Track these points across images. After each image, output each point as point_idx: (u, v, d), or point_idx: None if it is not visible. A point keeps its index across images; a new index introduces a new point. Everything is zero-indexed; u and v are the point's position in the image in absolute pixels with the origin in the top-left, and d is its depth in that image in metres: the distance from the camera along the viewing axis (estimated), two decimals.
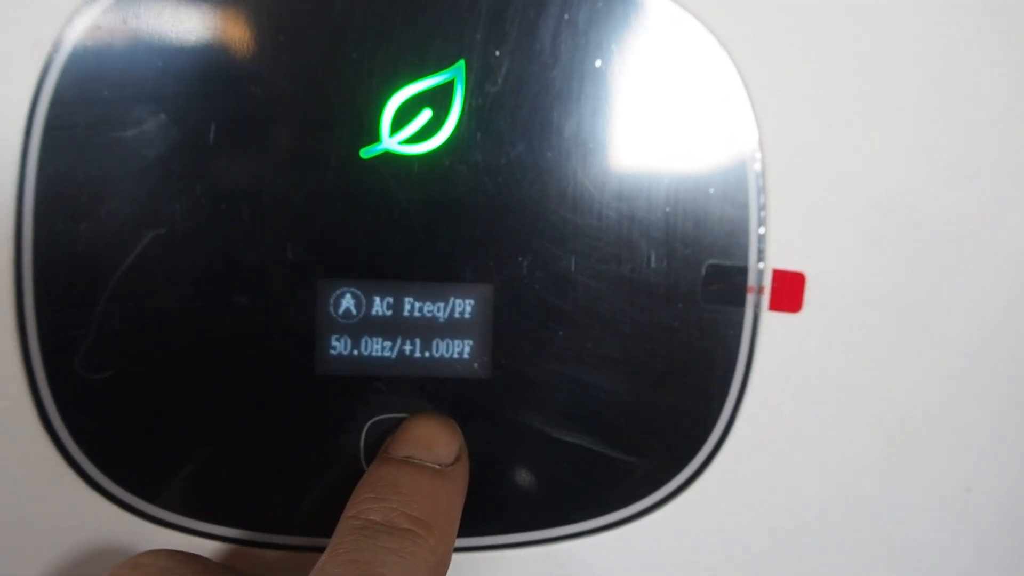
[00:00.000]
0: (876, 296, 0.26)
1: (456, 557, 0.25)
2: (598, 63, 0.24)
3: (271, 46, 0.23)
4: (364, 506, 0.21)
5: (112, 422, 0.24)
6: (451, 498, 0.22)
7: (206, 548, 0.24)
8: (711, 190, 0.25)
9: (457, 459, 0.23)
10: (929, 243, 0.26)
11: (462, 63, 0.24)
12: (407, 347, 0.24)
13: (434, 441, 0.23)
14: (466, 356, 0.25)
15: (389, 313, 0.24)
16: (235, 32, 0.23)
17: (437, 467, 0.23)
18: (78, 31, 0.23)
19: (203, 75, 0.23)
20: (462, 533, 0.25)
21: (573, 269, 0.25)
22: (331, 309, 0.24)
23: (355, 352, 0.24)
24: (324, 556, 0.20)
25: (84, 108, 0.23)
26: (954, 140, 0.25)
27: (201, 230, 0.23)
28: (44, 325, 0.23)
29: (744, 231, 0.25)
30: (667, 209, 0.25)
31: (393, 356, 0.24)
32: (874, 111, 0.25)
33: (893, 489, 0.26)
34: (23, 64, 0.23)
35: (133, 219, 0.23)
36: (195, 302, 0.23)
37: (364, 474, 0.23)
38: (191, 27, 0.23)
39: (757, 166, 0.25)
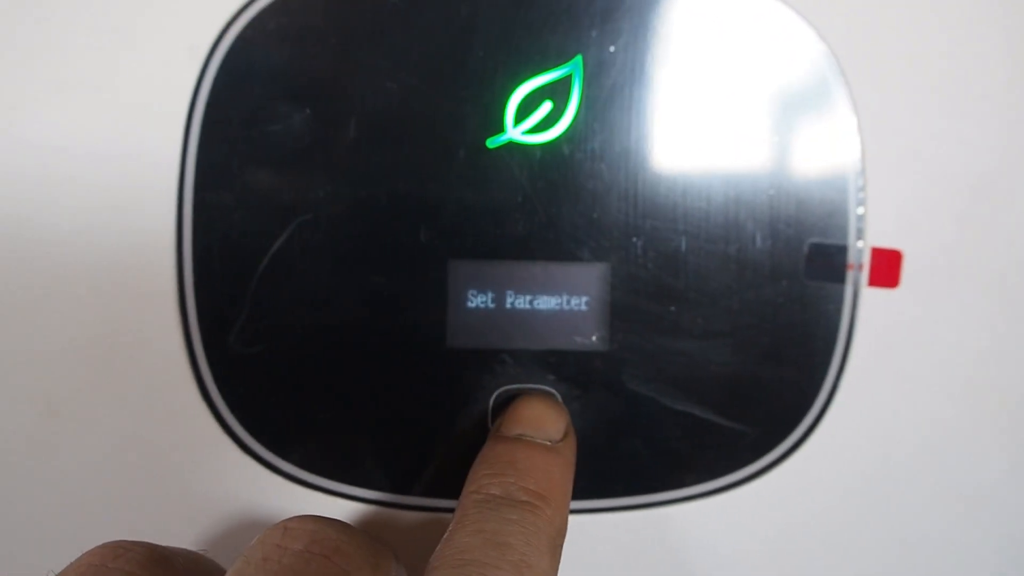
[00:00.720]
0: (972, 273, 0.27)
1: (573, 519, 0.27)
2: (704, 57, 0.26)
3: (405, 47, 0.25)
4: (484, 481, 0.23)
5: (264, 393, 0.26)
6: (563, 472, 0.24)
7: (347, 509, 0.26)
8: (812, 173, 0.26)
9: (565, 436, 0.25)
10: (1018, 220, 0.27)
11: (579, 58, 0.26)
12: (530, 322, 0.26)
13: (543, 420, 0.25)
14: (585, 330, 0.26)
15: (513, 292, 0.26)
16: (372, 34, 0.25)
17: (548, 443, 0.24)
18: (231, 35, 0.25)
19: (343, 74, 0.25)
20: (579, 496, 0.26)
21: (684, 249, 0.26)
22: (460, 288, 0.26)
23: (483, 326, 0.26)
24: (451, 527, 0.21)
25: (238, 105, 0.25)
26: None
27: (343, 216, 0.25)
28: (203, 305, 0.25)
29: (844, 211, 0.27)
30: (771, 192, 0.26)
31: (517, 330, 0.26)
32: (966, 96, 0.27)
33: (985, 455, 0.28)
34: (183, 65, 0.25)
35: (282, 207, 0.25)
36: (337, 282, 0.26)
37: (480, 452, 0.24)
38: (332, 31, 0.25)
39: (856, 149, 0.27)
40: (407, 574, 0.23)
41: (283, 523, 0.21)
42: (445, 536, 0.21)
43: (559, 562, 0.22)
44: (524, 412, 0.25)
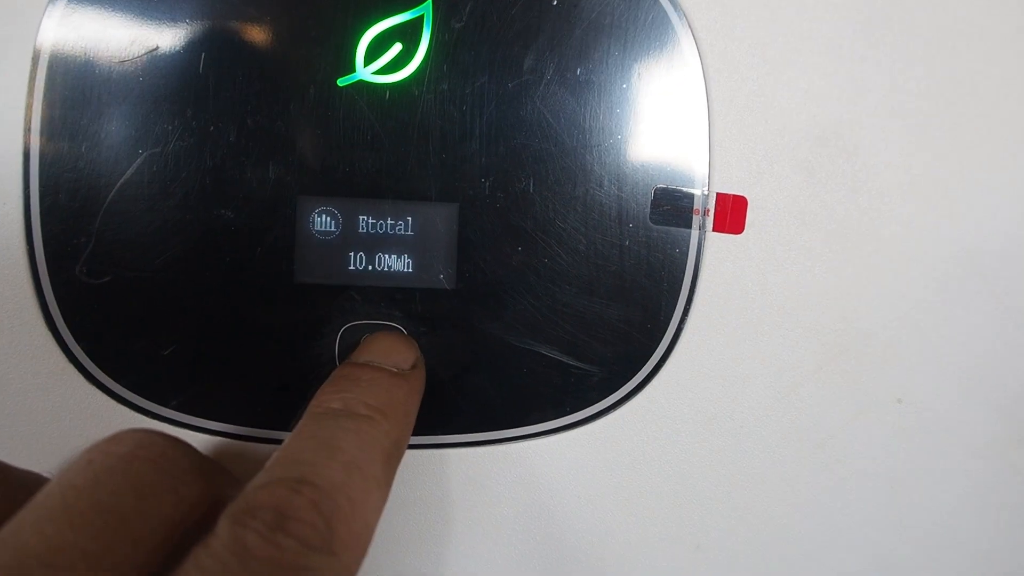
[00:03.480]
0: (813, 219, 0.28)
1: (425, 453, 0.28)
2: (555, 2, 0.27)
3: None
4: (325, 397, 0.23)
5: (110, 323, 0.26)
6: (407, 395, 0.24)
7: (194, 440, 0.27)
8: (660, 120, 0.27)
9: (414, 367, 0.26)
10: (860, 171, 0.28)
11: (429, 2, 0.26)
12: (378, 260, 0.27)
13: (392, 350, 0.26)
14: (432, 268, 0.27)
15: (362, 229, 0.27)
16: None
17: (395, 370, 0.25)
18: None
19: (193, 8, 0.25)
20: (431, 431, 0.27)
21: (531, 190, 0.27)
22: (309, 224, 0.26)
23: (330, 263, 0.27)
24: (287, 438, 0.22)
25: (84, 40, 0.25)
26: (882, 78, 0.28)
27: (191, 150, 0.26)
28: (49, 235, 0.25)
29: (690, 158, 0.27)
30: (618, 136, 0.27)
31: (364, 267, 0.27)
32: (811, 50, 0.27)
33: (827, 398, 0.29)
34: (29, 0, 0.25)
35: (129, 139, 0.26)
36: (185, 215, 0.26)
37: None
38: None
39: (702, 99, 0.27)
40: None
41: (115, 433, 0.21)
42: (281, 445, 0.21)
43: (393, 477, 0.22)
44: (374, 343, 0.26)
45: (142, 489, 0.19)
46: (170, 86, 0.25)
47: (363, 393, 0.23)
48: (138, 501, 0.18)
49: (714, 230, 0.28)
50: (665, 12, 0.27)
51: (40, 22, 0.25)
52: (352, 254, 0.27)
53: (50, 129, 0.25)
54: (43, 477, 0.23)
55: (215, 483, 0.21)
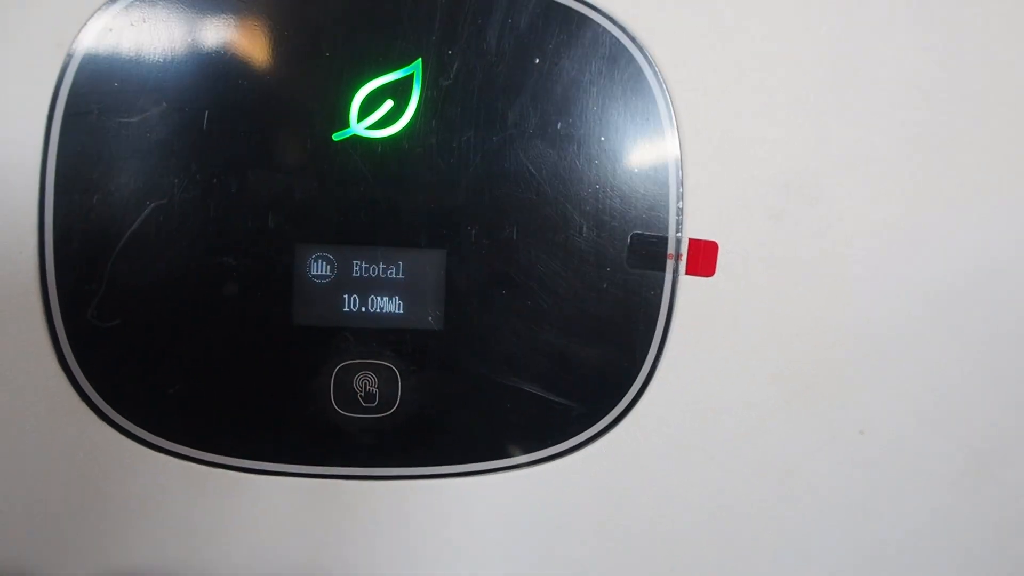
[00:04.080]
0: (780, 262, 0.30)
1: (414, 484, 0.29)
2: (537, 60, 0.28)
3: (257, 46, 0.27)
4: None
5: (119, 363, 0.28)
6: None
7: (199, 473, 0.28)
8: (635, 170, 0.29)
9: None
10: (824, 217, 0.30)
11: (419, 61, 0.28)
12: (371, 301, 0.29)
13: None
14: (422, 310, 0.29)
15: (356, 273, 0.28)
16: (226, 33, 0.27)
17: None
18: (93, 33, 0.27)
19: (198, 70, 0.27)
20: (420, 463, 0.29)
21: (515, 237, 0.29)
22: (306, 269, 0.28)
23: (326, 305, 0.28)
24: None
25: (97, 98, 0.27)
26: (846, 131, 0.29)
27: (196, 201, 0.27)
28: (63, 282, 0.27)
29: (664, 205, 0.29)
30: (596, 186, 0.29)
31: (358, 310, 0.28)
32: (777, 105, 0.29)
33: (794, 430, 0.30)
34: (46, 61, 0.27)
35: (138, 191, 0.27)
36: (190, 262, 0.28)
37: None
38: (188, 29, 0.27)
39: (675, 149, 0.29)
40: None
41: None
42: None
43: None
44: None
45: None
46: (176, 141, 0.27)
47: None
48: None
49: (687, 273, 0.30)
50: (641, 70, 0.29)
51: (56, 82, 0.27)
52: (346, 296, 0.29)
53: (64, 182, 0.27)
54: None
55: None
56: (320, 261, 0.28)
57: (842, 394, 0.30)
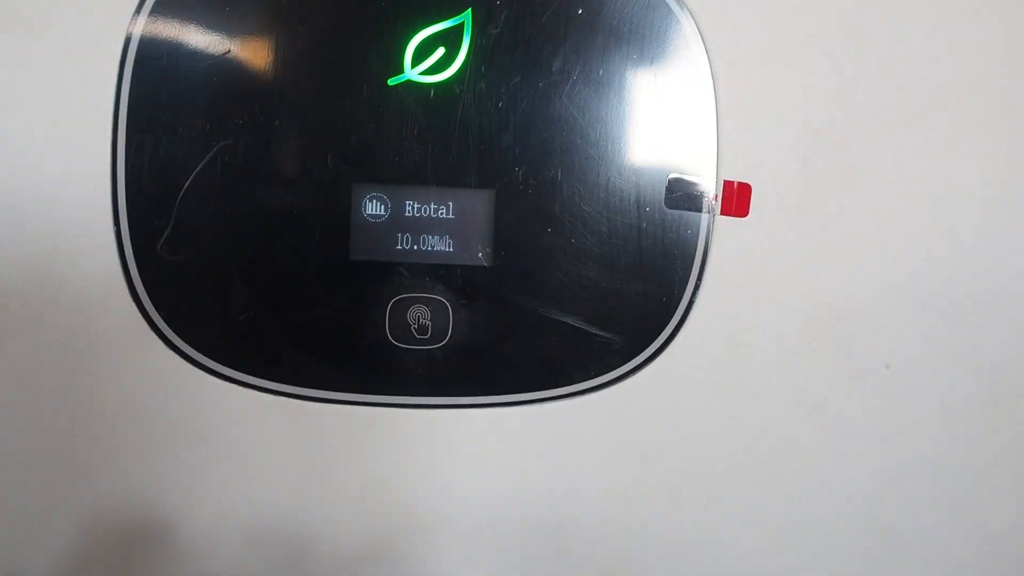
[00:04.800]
0: (810, 205, 0.31)
1: (461, 413, 0.31)
2: (580, 11, 0.30)
3: None
4: None
5: (187, 295, 0.29)
6: None
7: (261, 400, 0.30)
8: (672, 116, 0.31)
9: None
10: (853, 163, 0.31)
11: (469, 11, 0.30)
12: (423, 239, 0.30)
13: None
14: (471, 247, 0.30)
15: (408, 212, 0.30)
16: None
17: None
18: None
19: (261, 19, 0.29)
20: (469, 393, 0.30)
21: (559, 178, 0.30)
22: (362, 208, 0.30)
23: (381, 243, 0.30)
24: None
25: (167, 44, 0.29)
26: (871, 78, 0.31)
27: (259, 143, 0.29)
28: (134, 218, 0.29)
29: (700, 150, 0.31)
30: (637, 130, 0.30)
31: (411, 247, 0.30)
32: (807, 52, 0.31)
33: (823, 364, 0.32)
34: (120, 7, 0.28)
35: (205, 133, 0.29)
36: (253, 200, 0.29)
37: None
38: None
39: (710, 96, 0.31)
40: None
41: None
42: None
43: None
44: None
45: None
46: (241, 85, 0.29)
47: None
48: None
49: (722, 213, 0.31)
50: (678, 19, 0.30)
51: (128, 27, 0.28)
52: (400, 235, 0.30)
53: (136, 123, 0.29)
54: None
55: None
56: (375, 201, 0.30)
57: (868, 330, 0.32)
